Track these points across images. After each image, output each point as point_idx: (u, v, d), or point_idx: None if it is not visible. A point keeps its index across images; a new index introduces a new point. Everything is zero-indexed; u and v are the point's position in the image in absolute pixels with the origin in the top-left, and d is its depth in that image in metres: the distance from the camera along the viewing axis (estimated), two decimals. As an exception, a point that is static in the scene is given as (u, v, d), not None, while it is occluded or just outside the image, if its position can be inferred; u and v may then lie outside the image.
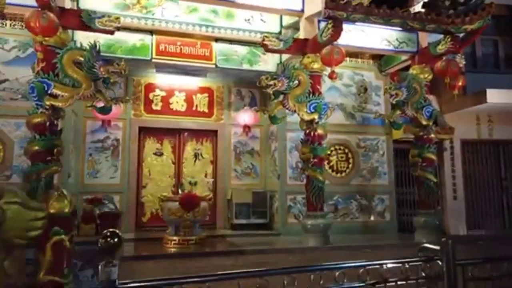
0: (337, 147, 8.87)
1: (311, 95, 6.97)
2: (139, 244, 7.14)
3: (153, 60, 7.81)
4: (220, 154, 9.07)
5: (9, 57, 7.05)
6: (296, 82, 6.84)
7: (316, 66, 7.13)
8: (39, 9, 5.34)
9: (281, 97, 6.87)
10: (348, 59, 9.04)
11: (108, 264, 1.68)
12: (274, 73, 7.52)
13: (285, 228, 8.15)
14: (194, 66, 8.15)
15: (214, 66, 8.15)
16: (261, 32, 7.80)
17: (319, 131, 7.07)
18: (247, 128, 8.89)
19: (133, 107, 8.64)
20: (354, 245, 6.95)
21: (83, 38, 6.78)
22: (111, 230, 1.72)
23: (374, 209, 8.90)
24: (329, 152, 8.62)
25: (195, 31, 7.78)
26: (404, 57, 8.57)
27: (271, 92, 6.76)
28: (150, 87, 8.86)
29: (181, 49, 7.94)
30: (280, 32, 8.23)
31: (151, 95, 8.83)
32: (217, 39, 8.15)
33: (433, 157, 7.71)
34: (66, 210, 2.22)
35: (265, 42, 7.05)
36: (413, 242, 7.09)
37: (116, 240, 1.66)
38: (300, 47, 7.31)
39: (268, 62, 8.50)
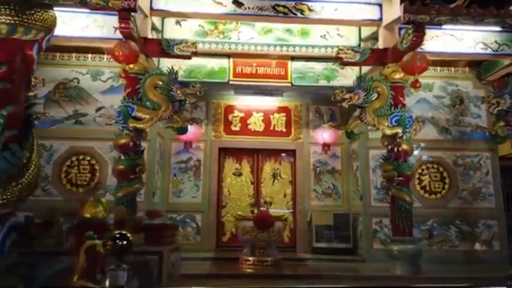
0: (429, 165, 7.97)
1: (392, 108, 6.41)
2: (216, 264, 7.16)
3: (230, 82, 8.01)
4: (299, 174, 8.81)
5: (105, 87, 7.87)
6: (375, 94, 6.37)
7: (397, 76, 6.58)
8: (122, 40, 5.88)
9: (358, 111, 6.45)
10: (438, 68, 8.24)
11: (116, 268, 1.61)
12: (350, 86, 7.13)
13: (370, 254, 7.45)
14: (270, 86, 8.15)
15: (290, 84, 8.04)
16: (338, 47, 7.51)
17: (404, 147, 6.41)
18: (326, 146, 8.53)
19: (213, 128, 8.93)
20: (450, 276, 5.99)
21: (167, 65, 7.27)
22: (121, 232, 1.64)
23: (479, 237, 7.68)
24: (420, 171, 7.79)
25: (270, 51, 7.79)
26: (507, 61, 7.46)
27: (346, 106, 6.39)
28: (229, 109, 9.10)
29: (256, 70, 8.02)
30: (359, 45, 7.83)
31: (230, 117, 9.05)
32: (292, 58, 8.07)
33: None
34: (101, 215, 2.26)
35: (340, 55, 6.76)
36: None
37: (124, 242, 1.59)
38: (379, 57, 6.85)
39: (348, 77, 8.09)
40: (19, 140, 2.17)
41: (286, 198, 8.84)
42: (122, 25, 5.73)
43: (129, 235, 1.67)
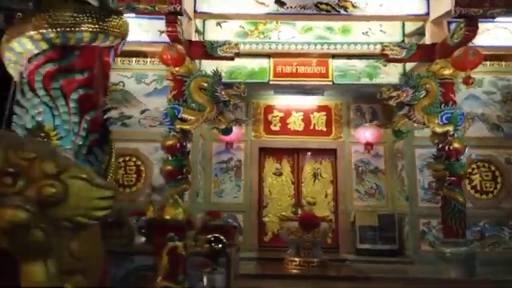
0: (479, 164, 7.63)
1: (443, 105, 6.19)
2: (260, 264, 7.16)
3: (271, 82, 8.00)
4: (340, 173, 8.68)
5: (149, 90, 8.05)
6: (423, 91, 6.17)
7: (446, 72, 6.35)
8: (171, 43, 5.98)
9: (406, 109, 6.27)
10: (488, 63, 7.87)
11: (213, 270, 1.63)
12: (396, 84, 6.94)
13: (418, 255, 7.22)
14: (310, 85, 8.08)
15: (331, 83, 7.94)
16: (381, 43, 7.32)
17: (456, 145, 6.17)
18: (369, 145, 8.34)
19: (253, 128, 8.94)
20: (508, 279, 5.70)
21: (209, 66, 7.34)
22: (215, 235, 1.65)
23: (534, 239, 7.29)
24: (470, 170, 7.48)
25: (310, 50, 7.73)
26: None
27: (394, 105, 6.22)
28: (268, 109, 9.09)
29: (297, 69, 7.97)
30: (402, 41, 7.62)
31: (269, 116, 9.04)
32: (333, 56, 7.96)
33: None
34: (180, 217, 2.30)
35: (386, 52, 6.60)
36: None
37: (220, 246, 1.61)
38: (427, 53, 6.63)
39: (390, 74, 7.90)
40: (100, 144, 2.23)
41: (328, 198, 8.73)
42: (169, 29, 5.83)
43: (222, 238, 1.70)
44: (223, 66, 7.60)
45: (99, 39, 2.19)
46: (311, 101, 8.97)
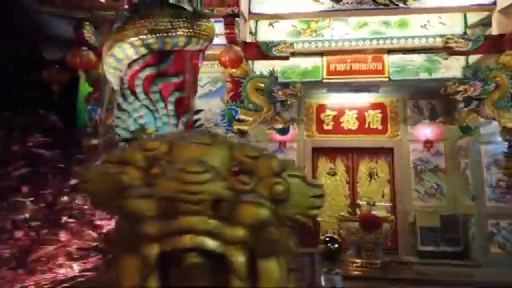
0: (553, 161, 7.08)
1: (514, 99, 5.81)
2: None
3: (324, 81, 7.89)
4: (397, 173, 8.39)
5: (204, 92, 8.19)
6: (493, 84, 5.82)
7: (518, 63, 5.94)
8: (228, 45, 6.06)
9: (474, 104, 5.94)
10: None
11: (329, 271, 1.61)
12: (460, 78, 6.60)
13: (487, 258, 6.83)
14: (365, 82, 7.87)
15: (387, 79, 7.69)
16: (441, 36, 6.99)
17: (530, 141, 5.78)
18: (429, 143, 8.01)
19: (306, 128, 8.86)
20: None
21: (261, 67, 7.37)
22: (330, 235, 1.62)
23: None
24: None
25: (366, 46, 7.55)
26: None
27: (460, 99, 5.92)
28: (321, 108, 8.97)
29: (351, 66, 7.80)
30: (465, 33, 7.24)
31: (322, 116, 8.92)
32: (389, 51, 7.71)
33: None
34: None
35: (450, 44, 6.28)
36: None
37: (336, 246, 1.57)
38: (494, 44, 6.25)
39: (451, 68, 7.52)
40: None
41: (384, 198, 8.47)
42: (228, 31, 5.91)
43: (337, 238, 1.67)
44: (276, 66, 7.60)
45: (192, 43, 2.24)
46: (365, 99, 8.75)
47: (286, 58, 6.83)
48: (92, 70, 6.50)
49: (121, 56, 2.18)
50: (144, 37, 2.10)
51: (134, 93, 2.15)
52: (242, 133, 6.41)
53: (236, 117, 6.32)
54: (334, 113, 8.88)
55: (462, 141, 7.67)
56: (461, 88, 5.77)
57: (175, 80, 2.20)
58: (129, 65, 2.19)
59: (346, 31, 7.58)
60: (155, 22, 2.11)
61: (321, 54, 7.87)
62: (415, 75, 7.62)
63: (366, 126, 8.72)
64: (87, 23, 6.11)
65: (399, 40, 7.46)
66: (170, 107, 2.15)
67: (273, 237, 0.79)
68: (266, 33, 7.74)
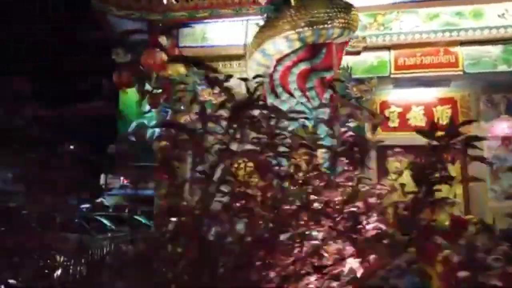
0: None
1: None
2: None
3: (392, 76, 7.58)
4: (470, 171, 7.91)
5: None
6: None
7: None
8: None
9: None
10: None
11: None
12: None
13: None
14: (437, 76, 7.49)
15: (461, 72, 7.29)
16: (524, 25, 6.56)
17: None
18: (506, 140, 7.50)
19: (369, 125, 8.54)
20: None
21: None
22: None
23: None
24: None
25: (437, 38, 7.19)
26: None
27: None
28: (384, 104, 8.62)
29: (421, 60, 7.45)
30: (549, 21, 6.74)
31: (386, 112, 8.57)
32: (461, 43, 7.30)
33: None
34: (444, 223, 2.11)
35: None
36: None
37: None
38: None
39: (535, 59, 7.04)
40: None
41: (457, 198, 8.02)
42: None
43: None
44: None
45: (344, 34, 2.10)
46: (432, 94, 8.32)
47: (358, 53, 6.60)
48: (163, 71, 6.55)
49: (271, 52, 2.07)
50: (301, 29, 1.97)
51: (287, 90, 2.03)
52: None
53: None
54: (399, 109, 8.51)
55: (546, 137, 7.14)
56: (557, 79, 5.32)
57: (327, 75, 2.06)
58: (279, 61, 2.07)
59: (416, 23, 7.25)
60: (311, 14, 1.97)
61: (388, 48, 7.56)
62: (493, 67, 7.17)
63: (435, 122, 8.29)
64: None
65: (475, 31, 7.06)
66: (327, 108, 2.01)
67: None
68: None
